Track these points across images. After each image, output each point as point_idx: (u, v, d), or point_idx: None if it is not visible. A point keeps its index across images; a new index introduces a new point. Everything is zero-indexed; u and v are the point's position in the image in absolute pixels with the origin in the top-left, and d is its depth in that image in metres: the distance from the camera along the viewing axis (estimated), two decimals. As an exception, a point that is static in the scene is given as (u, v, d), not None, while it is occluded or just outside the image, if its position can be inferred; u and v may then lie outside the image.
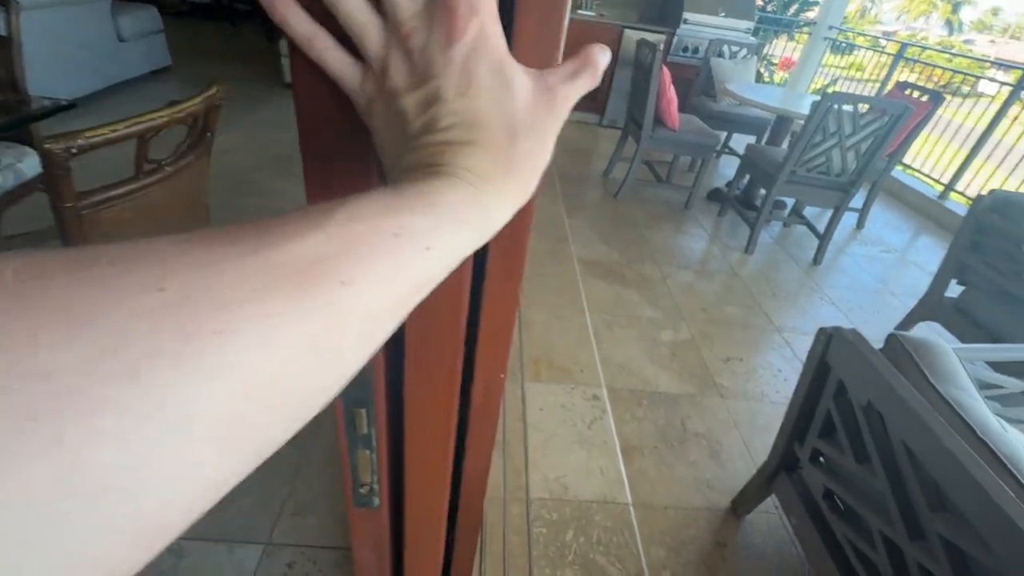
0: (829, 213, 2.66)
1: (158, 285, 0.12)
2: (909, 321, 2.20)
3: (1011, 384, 1.05)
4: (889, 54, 4.34)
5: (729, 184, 3.42)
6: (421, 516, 0.49)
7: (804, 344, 2.08)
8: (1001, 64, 3.52)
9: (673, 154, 3.11)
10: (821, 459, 1.06)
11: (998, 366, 1.09)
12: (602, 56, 0.24)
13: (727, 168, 3.95)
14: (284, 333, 0.13)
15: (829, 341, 0.96)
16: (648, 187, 3.27)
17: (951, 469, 0.68)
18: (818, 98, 2.40)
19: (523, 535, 1.21)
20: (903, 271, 2.81)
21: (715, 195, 3.32)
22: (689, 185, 3.14)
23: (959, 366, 0.89)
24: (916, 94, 2.98)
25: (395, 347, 0.36)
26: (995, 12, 38.18)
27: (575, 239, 2.60)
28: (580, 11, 4.24)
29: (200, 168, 1.20)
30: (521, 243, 0.34)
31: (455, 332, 0.36)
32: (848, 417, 0.93)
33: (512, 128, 0.22)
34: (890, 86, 4.23)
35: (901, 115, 2.25)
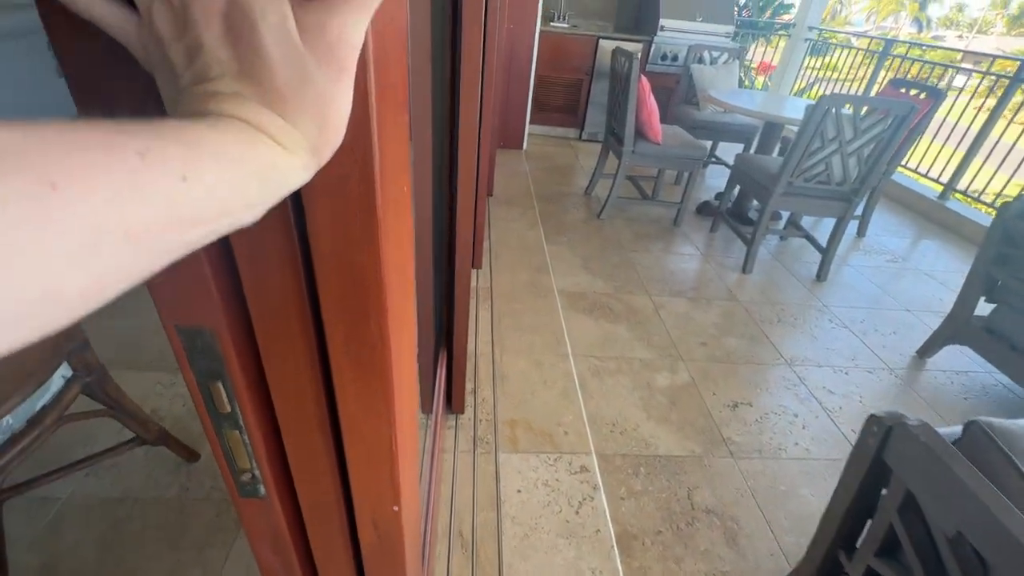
0: (827, 221, 2.44)
1: None
2: (933, 344, 1.97)
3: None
4: (872, 52, 4.18)
5: (719, 196, 3.21)
6: (318, 510, 0.43)
7: (819, 379, 1.83)
8: (995, 57, 3.37)
9: (658, 168, 2.89)
10: (879, 578, 0.80)
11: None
12: None
13: (714, 179, 3.74)
14: None
15: (887, 436, 0.70)
16: (633, 204, 3.04)
17: None
18: (812, 102, 2.19)
19: None
20: (915, 283, 2.58)
21: (705, 209, 3.10)
22: (676, 200, 2.91)
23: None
24: (913, 92, 2.79)
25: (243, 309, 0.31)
26: (960, 8, 39.23)
27: (556, 268, 2.35)
28: (553, 23, 4.05)
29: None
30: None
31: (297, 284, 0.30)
32: (923, 542, 0.67)
33: (285, 77, 0.20)
34: (879, 86, 4.07)
35: (907, 115, 2.04)
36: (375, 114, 0.24)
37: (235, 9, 0.19)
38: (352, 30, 0.21)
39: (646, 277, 2.36)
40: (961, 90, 3.52)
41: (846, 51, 4.51)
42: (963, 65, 3.62)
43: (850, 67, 4.38)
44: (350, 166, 0.25)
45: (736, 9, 4.25)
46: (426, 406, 1.41)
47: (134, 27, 0.21)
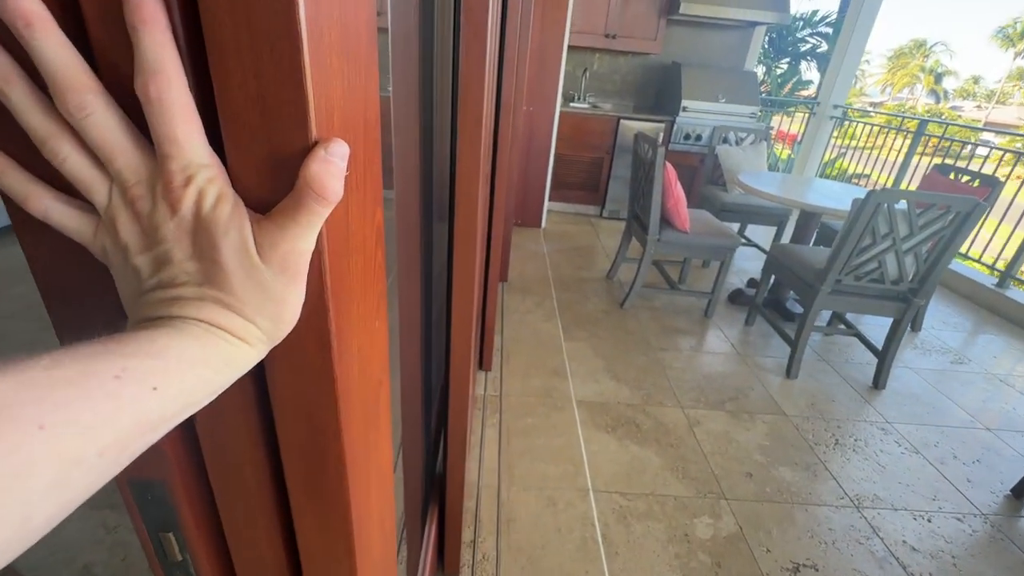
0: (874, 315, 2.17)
1: None
2: (1033, 484, 1.62)
3: None
4: (907, 131, 4.04)
5: (752, 283, 2.97)
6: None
7: (896, 528, 1.49)
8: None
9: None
10: None
11: None
12: (324, 169, 0.21)
13: (744, 261, 3.52)
14: None
15: None
16: (659, 293, 2.82)
17: None
18: (859, 190, 1.99)
19: None
20: (990, 391, 2.25)
21: (738, 298, 2.86)
22: (705, 288, 2.69)
23: None
24: (965, 179, 2.58)
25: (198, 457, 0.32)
26: (976, 80, 39.96)
27: (575, 371, 2.10)
28: (572, 104, 4.05)
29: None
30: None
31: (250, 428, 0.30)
32: None
33: (244, 285, 0.22)
34: (917, 167, 3.88)
35: (971, 212, 1.81)
36: (330, 296, 0.25)
37: (201, 229, 0.21)
38: (301, 244, 0.22)
39: (677, 383, 2.09)
40: (1000, 164, 3.31)
41: (869, 127, 4.39)
42: (1016, 148, 3.42)
43: (868, 134, 4.30)
44: (305, 333, 0.26)
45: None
46: (412, 568, 1.14)
47: (91, 230, 0.23)
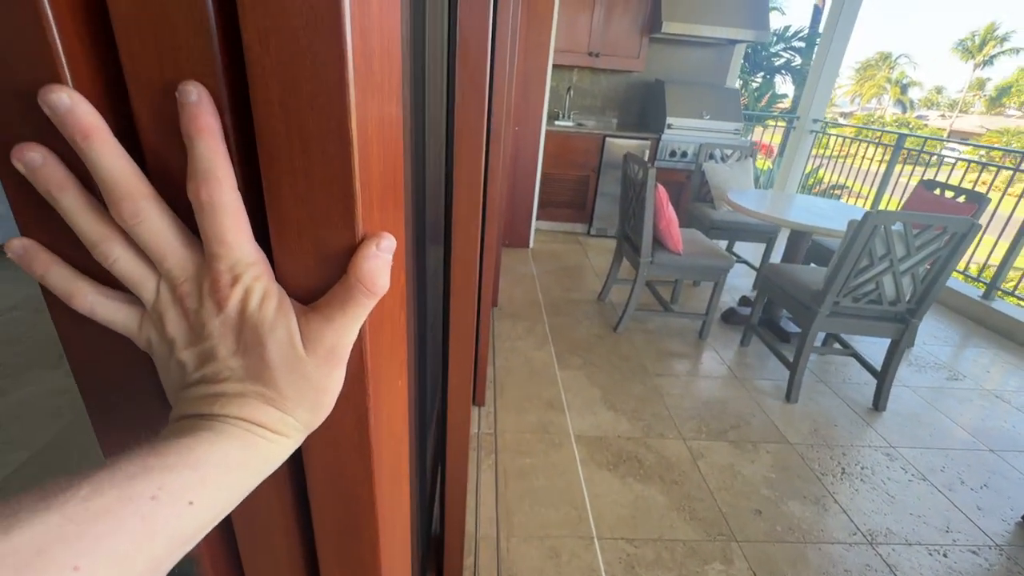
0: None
1: None
2: (1045, 511, 1.58)
3: None
4: (886, 145, 4.10)
5: (746, 303, 2.94)
6: None
7: (912, 565, 1.44)
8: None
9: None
10: None
11: None
12: (376, 265, 0.22)
13: (734, 278, 3.49)
14: None
15: None
16: (652, 315, 2.76)
17: None
18: (856, 210, 1.97)
19: None
20: (988, 409, 2.22)
21: (731, 316, 2.82)
22: (698, 309, 2.64)
23: None
24: (949, 194, 2.59)
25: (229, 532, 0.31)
26: (939, 90, 41.64)
27: (571, 403, 2.02)
28: (557, 122, 4.02)
29: None
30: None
31: None
32: None
33: (286, 379, 0.22)
34: (899, 183, 3.93)
35: (967, 233, 1.80)
36: (370, 376, 0.25)
37: (247, 327, 0.21)
38: (345, 336, 0.22)
39: (676, 410, 2.02)
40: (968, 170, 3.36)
41: (847, 140, 4.48)
42: (1004, 165, 3.49)
43: (840, 144, 4.53)
44: (344, 411, 0.25)
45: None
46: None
47: (136, 323, 0.23)
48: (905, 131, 4.77)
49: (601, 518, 1.51)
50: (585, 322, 2.69)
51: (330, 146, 0.20)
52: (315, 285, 0.22)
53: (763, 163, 6.96)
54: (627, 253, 2.64)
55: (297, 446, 0.24)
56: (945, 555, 1.49)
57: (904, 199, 3.58)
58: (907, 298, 1.97)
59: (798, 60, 9.79)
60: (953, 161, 3.78)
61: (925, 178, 3.12)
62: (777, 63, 9.94)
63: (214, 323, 0.21)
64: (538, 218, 4.08)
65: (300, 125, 0.19)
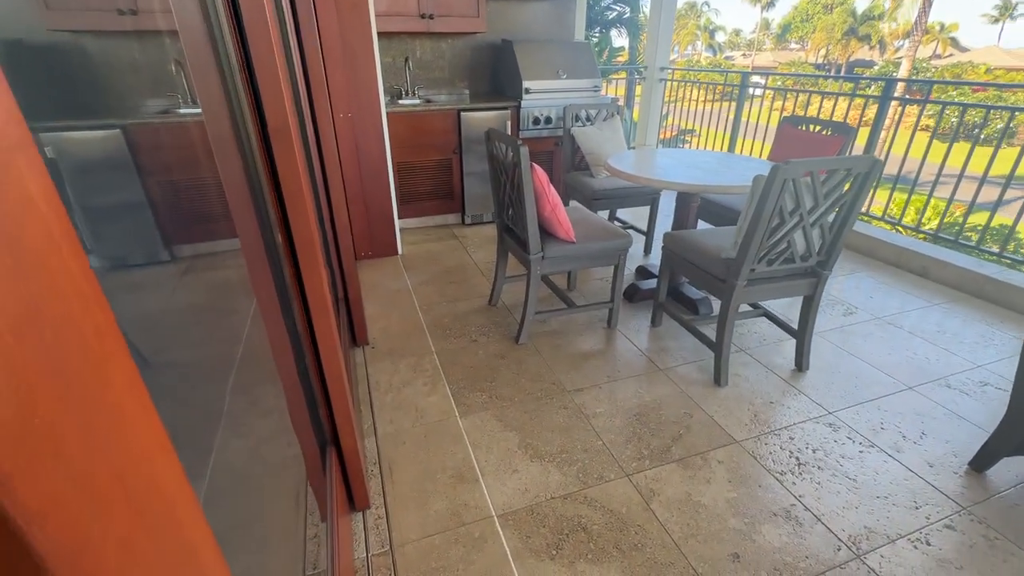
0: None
1: None
2: (987, 458, 1.50)
3: None
4: (732, 85, 4.14)
5: (643, 274, 2.70)
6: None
7: (905, 570, 1.24)
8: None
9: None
10: None
11: None
12: None
13: (625, 245, 3.26)
14: None
15: None
16: (553, 315, 2.38)
17: None
18: (761, 164, 1.73)
19: None
20: (889, 341, 2.21)
21: (633, 294, 2.55)
22: (598, 290, 2.32)
23: None
24: (816, 128, 2.53)
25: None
26: (737, 32, 47.15)
27: (485, 463, 1.57)
28: (401, 101, 3.41)
29: None
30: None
31: None
32: None
33: None
34: (755, 119, 3.98)
35: (870, 171, 1.63)
36: None
37: None
38: None
39: (608, 434, 1.67)
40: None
41: (692, 86, 4.52)
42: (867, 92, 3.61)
43: (669, 92, 4.62)
44: None
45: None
46: None
47: None
48: (747, 71, 4.92)
49: (559, 646, 1.09)
50: (481, 340, 2.23)
51: None
52: None
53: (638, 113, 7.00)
54: (512, 249, 2.21)
55: None
56: (928, 543, 1.32)
57: (766, 139, 3.60)
58: (816, 250, 1.80)
59: (628, 12, 10.03)
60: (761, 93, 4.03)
61: (780, 115, 3.10)
62: (610, 16, 10.10)
63: None
64: (402, 216, 3.49)
65: None
